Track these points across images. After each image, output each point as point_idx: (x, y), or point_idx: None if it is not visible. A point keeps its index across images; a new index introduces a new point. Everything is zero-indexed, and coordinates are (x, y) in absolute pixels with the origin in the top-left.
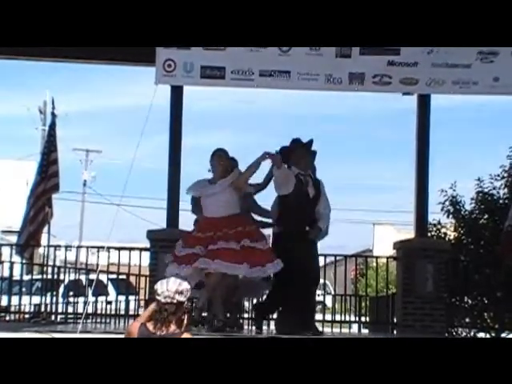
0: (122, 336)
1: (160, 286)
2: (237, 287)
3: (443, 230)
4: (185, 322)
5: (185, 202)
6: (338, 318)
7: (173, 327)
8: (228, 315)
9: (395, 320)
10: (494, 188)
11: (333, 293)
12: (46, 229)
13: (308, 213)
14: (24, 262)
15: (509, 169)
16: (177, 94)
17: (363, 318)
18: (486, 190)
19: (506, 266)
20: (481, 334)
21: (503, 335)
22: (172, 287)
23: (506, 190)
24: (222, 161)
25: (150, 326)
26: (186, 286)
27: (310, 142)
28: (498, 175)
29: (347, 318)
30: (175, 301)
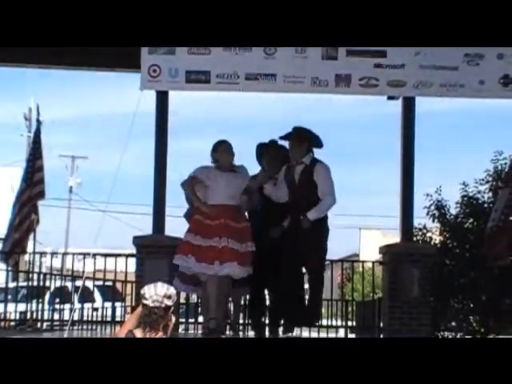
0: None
1: (148, 290)
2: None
3: (429, 235)
4: (171, 327)
5: (171, 208)
6: (324, 322)
7: (160, 332)
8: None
9: (382, 324)
10: (479, 192)
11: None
12: (31, 236)
13: (295, 200)
14: (9, 269)
15: (493, 173)
16: (162, 99)
17: (350, 323)
18: (470, 194)
19: (490, 268)
20: (467, 338)
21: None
22: (160, 291)
23: (490, 193)
24: (231, 153)
25: (137, 332)
26: (173, 290)
27: (301, 132)
28: (483, 179)
29: (334, 323)
30: (163, 305)
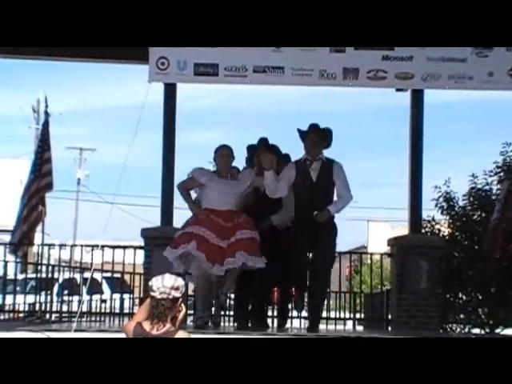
0: (117, 334)
1: (155, 282)
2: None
3: (437, 227)
4: (179, 318)
5: (179, 200)
6: (332, 315)
7: (168, 325)
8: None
9: (390, 317)
10: (488, 184)
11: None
12: (39, 227)
13: (313, 197)
14: (18, 260)
15: (502, 165)
16: (170, 91)
17: (358, 315)
18: (479, 186)
19: (496, 261)
20: (475, 330)
21: (497, 331)
22: (168, 283)
23: (499, 185)
24: (229, 159)
25: (146, 324)
26: (181, 281)
27: (320, 129)
28: (491, 171)
29: (342, 315)
30: (171, 296)
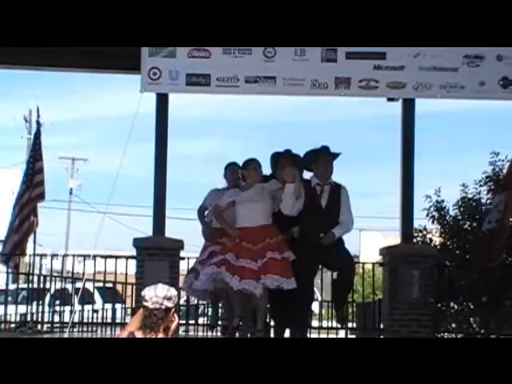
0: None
1: (148, 292)
2: None
3: (429, 236)
4: (172, 328)
5: (171, 210)
6: (324, 324)
7: (160, 335)
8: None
9: (382, 326)
10: (479, 193)
11: (320, 299)
12: (31, 238)
13: (321, 224)
14: (10, 271)
15: (492, 174)
16: (162, 101)
17: (350, 324)
18: (470, 196)
19: (490, 270)
20: None
21: None
22: (160, 293)
23: (489, 195)
24: (257, 171)
25: (138, 334)
26: (173, 292)
27: (326, 150)
28: (481, 181)
29: (334, 325)
30: (163, 306)
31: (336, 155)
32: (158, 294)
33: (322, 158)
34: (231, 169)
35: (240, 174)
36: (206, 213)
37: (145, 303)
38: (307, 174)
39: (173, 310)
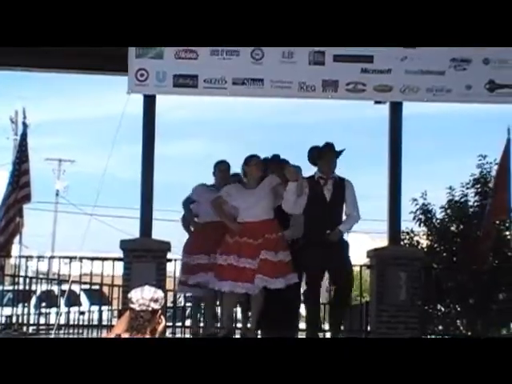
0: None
1: (134, 294)
2: None
3: (416, 238)
4: (159, 330)
5: (158, 212)
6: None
7: (147, 337)
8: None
9: (369, 328)
10: (465, 196)
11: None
12: (17, 239)
13: (326, 216)
14: None
15: (479, 177)
16: (149, 103)
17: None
18: (457, 198)
19: (478, 272)
20: None
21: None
22: (147, 295)
23: (476, 197)
24: (258, 167)
25: (125, 336)
26: (160, 293)
27: (329, 146)
28: (468, 183)
29: (321, 327)
30: (150, 308)
31: (339, 152)
32: (144, 296)
33: (326, 154)
34: (220, 167)
35: (241, 170)
36: (192, 206)
37: (131, 305)
38: (312, 170)
39: (159, 311)
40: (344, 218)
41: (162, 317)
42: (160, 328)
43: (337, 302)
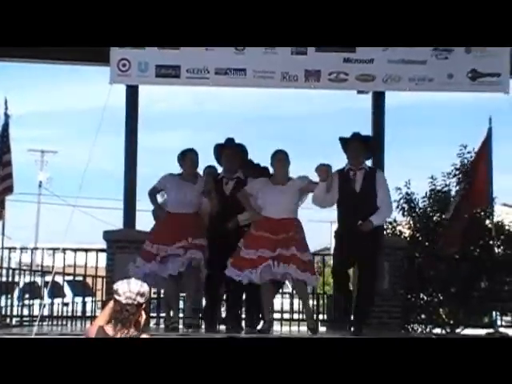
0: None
1: (121, 287)
2: None
3: (399, 228)
4: (142, 323)
5: (141, 203)
6: (295, 316)
7: (131, 329)
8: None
9: (352, 317)
10: (447, 185)
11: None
12: (0, 230)
13: (357, 208)
14: None
15: (460, 166)
16: (132, 93)
17: (321, 316)
18: (438, 188)
19: (458, 260)
20: (436, 330)
21: (458, 330)
22: (134, 288)
23: (458, 187)
24: (284, 162)
25: (109, 328)
26: (146, 287)
27: (364, 137)
28: (450, 173)
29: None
30: (136, 302)
31: (366, 139)
32: (131, 290)
33: (351, 144)
34: (189, 155)
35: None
36: (159, 195)
37: (117, 297)
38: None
39: (143, 305)
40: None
41: (143, 311)
42: (142, 321)
43: (362, 292)
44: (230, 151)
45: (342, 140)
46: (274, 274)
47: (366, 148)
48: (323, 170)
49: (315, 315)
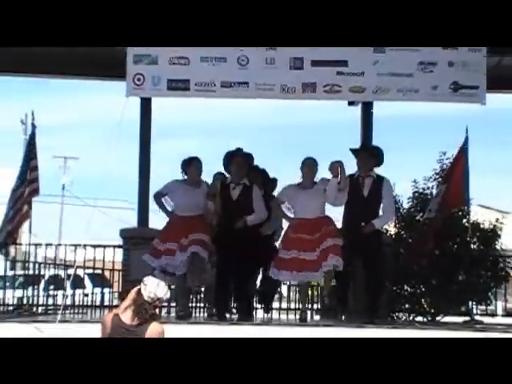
0: (97, 325)
1: (150, 284)
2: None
3: (385, 226)
4: (154, 318)
5: (154, 203)
6: (292, 306)
7: (144, 321)
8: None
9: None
10: (428, 188)
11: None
12: (27, 228)
13: (362, 210)
14: (8, 259)
15: (439, 171)
16: (146, 105)
17: (315, 306)
18: (420, 191)
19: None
20: (419, 318)
21: (438, 318)
22: (159, 293)
23: (437, 189)
24: (312, 169)
25: (124, 317)
26: (168, 295)
27: (371, 148)
28: (431, 177)
29: (300, 306)
30: (154, 303)
31: (373, 150)
32: (156, 293)
33: (360, 154)
34: (193, 162)
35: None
36: (164, 199)
37: (143, 290)
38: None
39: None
40: (380, 213)
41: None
42: (155, 316)
43: (369, 287)
44: (238, 159)
45: (352, 151)
46: (314, 277)
47: (373, 157)
48: (335, 166)
49: (310, 305)
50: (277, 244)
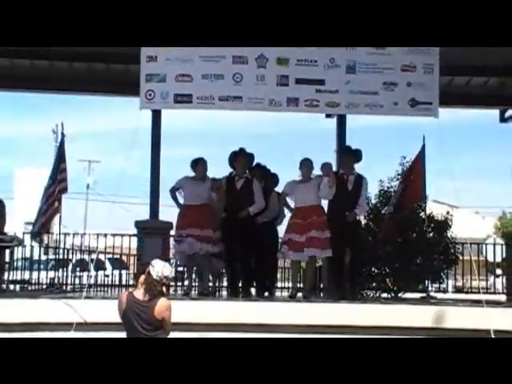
0: (116, 301)
1: (157, 266)
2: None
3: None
4: (163, 294)
5: (163, 199)
6: (279, 284)
7: (153, 296)
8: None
9: (321, 286)
10: (392, 187)
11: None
12: (58, 221)
13: (347, 202)
14: (42, 245)
15: (401, 172)
16: (156, 116)
17: (299, 285)
18: (385, 189)
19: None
20: (384, 295)
21: (400, 295)
22: (165, 272)
23: (398, 188)
24: (309, 167)
25: (136, 293)
26: (173, 274)
27: (353, 150)
28: (394, 177)
29: (287, 285)
30: (163, 281)
31: (354, 152)
32: (163, 272)
33: (344, 156)
34: (201, 163)
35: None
36: (177, 193)
37: (151, 271)
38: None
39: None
40: (358, 205)
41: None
42: (164, 292)
43: (351, 267)
44: (242, 157)
45: (337, 152)
46: (301, 256)
47: (353, 157)
48: (326, 167)
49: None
50: (278, 228)
